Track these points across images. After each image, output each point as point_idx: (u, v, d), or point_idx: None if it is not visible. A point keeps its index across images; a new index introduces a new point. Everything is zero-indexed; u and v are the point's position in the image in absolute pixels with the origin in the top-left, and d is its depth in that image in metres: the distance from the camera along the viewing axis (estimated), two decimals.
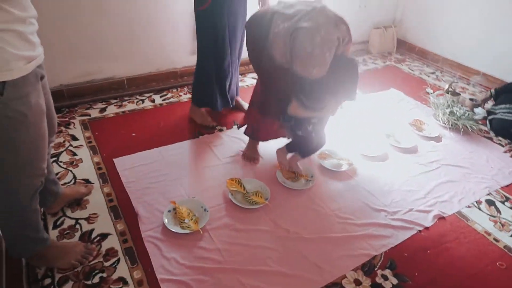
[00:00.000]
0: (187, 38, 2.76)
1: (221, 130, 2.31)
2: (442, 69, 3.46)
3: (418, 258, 1.56)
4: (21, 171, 1.15)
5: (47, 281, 1.37)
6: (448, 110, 2.48)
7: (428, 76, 3.30)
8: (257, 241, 1.57)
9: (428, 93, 2.92)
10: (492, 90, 2.62)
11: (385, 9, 3.74)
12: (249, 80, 2.99)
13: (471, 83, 3.21)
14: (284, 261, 1.49)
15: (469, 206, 1.85)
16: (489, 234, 1.70)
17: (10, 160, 1.11)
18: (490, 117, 2.48)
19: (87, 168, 1.94)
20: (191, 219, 1.62)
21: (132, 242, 1.54)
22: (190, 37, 2.75)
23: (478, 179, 2.03)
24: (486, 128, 2.50)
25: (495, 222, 1.77)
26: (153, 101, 2.60)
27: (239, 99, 2.50)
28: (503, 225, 1.75)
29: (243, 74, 3.06)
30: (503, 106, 2.41)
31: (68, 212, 1.67)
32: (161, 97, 2.66)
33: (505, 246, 1.64)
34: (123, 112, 2.46)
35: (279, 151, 1.94)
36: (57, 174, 1.86)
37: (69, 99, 2.49)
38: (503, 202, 1.89)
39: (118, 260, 1.47)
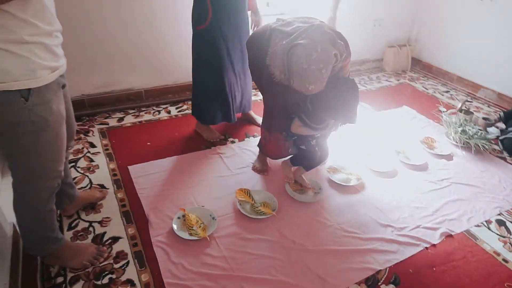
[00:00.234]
0: None
1: (233, 142, 2.37)
2: (457, 88, 3.45)
3: (424, 275, 1.55)
4: (40, 173, 1.23)
5: (60, 279, 1.43)
6: (460, 129, 2.47)
7: (442, 95, 3.30)
8: (262, 251, 1.60)
9: (440, 111, 2.93)
10: (501, 113, 2.62)
11: (400, 28, 3.78)
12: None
13: (478, 95, 3.21)
14: (288, 271, 1.51)
15: (478, 225, 1.83)
16: (498, 255, 1.68)
17: (31, 163, 1.19)
18: (502, 137, 2.46)
19: (103, 174, 2.02)
20: (199, 227, 1.67)
21: (142, 246, 1.59)
22: None
23: (489, 199, 2.01)
24: (499, 148, 2.48)
25: (505, 242, 1.75)
26: (168, 112, 2.69)
27: (251, 112, 2.56)
28: None
29: (256, 88, 3.13)
30: None
31: (83, 215, 1.74)
32: (176, 108, 2.75)
33: None
34: (140, 122, 2.56)
35: (284, 163, 1.98)
36: (74, 178, 1.95)
37: (89, 108, 2.61)
38: None
39: (128, 262, 1.52)
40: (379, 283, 1.49)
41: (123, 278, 1.46)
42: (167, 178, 2.00)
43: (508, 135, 2.39)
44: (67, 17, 2.25)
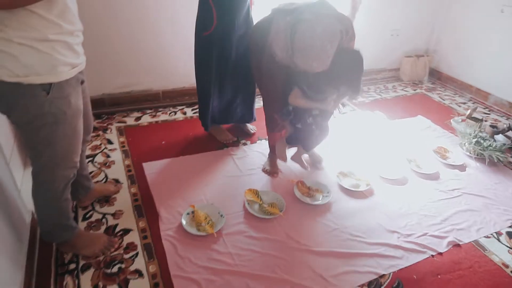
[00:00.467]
0: None
1: (245, 144, 2.42)
2: (475, 99, 3.41)
3: (428, 282, 1.55)
4: (57, 162, 1.30)
5: (72, 266, 1.50)
6: (474, 140, 2.45)
7: (459, 106, 3.26)
8: (267, 249, 1.63)
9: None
10: (511, 123, 2.59)
11: (418, 38, 3.77)
12: None
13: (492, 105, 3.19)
14: (292, 270, 1.54)
15: (488, 237, 1.81)
16: (507, 267, 1.65)
17: (49, 153, 1.25)
18: None
19: (118, 169, 2.10)
20: (208, 223, 1.71)
21: (151, 239, 1.65)
22: None
23: (501, 211, 1.98)
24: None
25: None
26: (184, 113, 2.77)
27: (248, 125, 2.54)
28: None
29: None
30: None
31: (97, 207, 1.81)
32: (192, 110, 2.82)
33: None
34: (156, 121, 2.64)
35: (278, 142, 1.90)
36: (91, 172, 2.03)
37: (109, 106, 2.72)
38: None
39: (137, 254, 1.58)
40: (382, 287, 1.50)
41: (132, 268, 1.51)
42: (179, 176, 2.06)
43: None
44: (92, 20, 2.37)
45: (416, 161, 2.33)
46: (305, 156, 1.95)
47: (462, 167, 2.33)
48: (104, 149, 2.28)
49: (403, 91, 3.55)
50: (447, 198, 2.05)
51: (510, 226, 1.89)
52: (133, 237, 1.66)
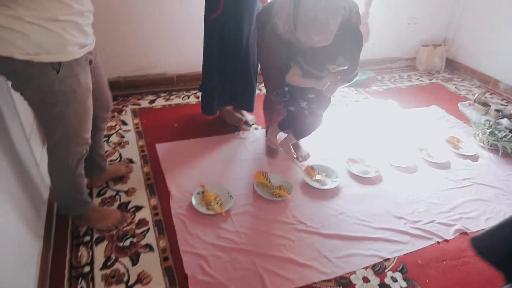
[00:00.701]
0: None
1: (256, 129, 2.44)
2: (492, 91, 3.34)
3: (432, 267, 1.56)
4: (70, 139, 1.33)
5: (87, 238, 1.57)
6: (488, 131, 2.42)
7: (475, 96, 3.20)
8: (274, 230, 1.67)
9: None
10: None
11: (436, 27, 3.70)
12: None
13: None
14: (297, 250, 1.57)
15: None
16: None
17: (62, 130, 1.29)
18: None
19: (132, 150, 2.16)
20: (217, 203, 1.76)
21: (162, 216, 1.71)
22: None
23: None
24: None
25: None
26: (197, 97, 2.80)
27: (248, 116, 2.51)
28: None
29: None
30: None
31: (111, 185, 1.88)
32: None
33: None
34: (170, 105, 2.69)
35: (271, 129, 1.90)
36: (106, 152, 2.09)
37: (124, 89, 2.78)
38: None
39: (148, 229, 1.64)
40: (386, 270, 1.52)
41: (143, 242, 1.57)
42: (190, 157, 2.11)
43: None
44: (109, 3, 2.41)
45: (428, 150, 2.32)
46: (291, 150, 1.95)
47: (474, 157, 2.31)
48: (119, 130, 2.34)
49: (418, 80, 3.50)
50: (457, 187, 2.04)
51: None
52: (145, 213, 1.72)
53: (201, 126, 2.44)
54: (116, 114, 2.51)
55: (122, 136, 2.28)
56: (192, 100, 2.77)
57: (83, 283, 1.39)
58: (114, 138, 2.25)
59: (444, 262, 1.58)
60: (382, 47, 3.58)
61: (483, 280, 1.53)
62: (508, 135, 2.39)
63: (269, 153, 2.14)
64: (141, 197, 1.81)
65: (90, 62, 1.34)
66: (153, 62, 2.82)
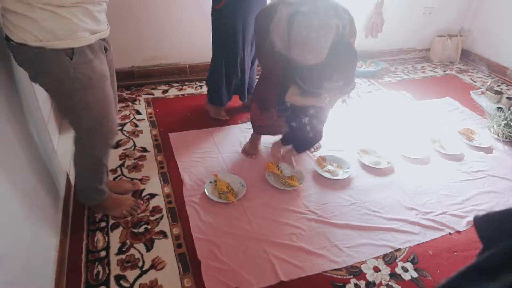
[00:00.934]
0: None
1: None
2: (509, 82, 3.28)
3: (443, 258, 1.56)
4: (96, 130, 1.35)
5: (103, 224, 1.61)
6: (504, 122, 2.38)
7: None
8: (285, 219, 1.69)
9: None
10: None
11: (452, 18, 3.63)
12: None
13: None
14: (308, 239, 1.59)
15: None
16: None
17: (86, 120, 1.30)
18: None
19: (145, 139, 2.19)
20: (229, 192, 1.78)
21: (175, 203, 1.74)
22: None
23: None
24: None
25: None
26: None
27: None
28: None
29: None
30: None
31: (126, 172, 1.91)
32: None
33: None
34: (182, 95, 2.71)
35: (274, 144, 1.95)
36: (120, 140, 2.14)
37: (138, 79, 2.81)
38: None
39: (162, 216, 1.67)
40: (397, 260, 1.53)
41: (157, 229, 1.61)
42: (203, 147, 2.13)
43: None
44: None
45: (440, 141, 2.30)
46: (294, 163, 1.97)
47: (488, 150, 2.28)
48: (132, 119, 2.38)
49: (432, 72, 3.45)
50: (470, 179, 2.02)
51: None
52: (159, 201, 1.75)
53: (212, 116, 2.45)
54: (130, 103, 2.55)
55: (136, 125, 2.31)
56: (204, 90, 2.78)
57: (99, 267, 1.43)
58: (128, 127, 2.29)
59: (455, 253, 1.58)
60: (396, 37, 3.54)
61: None
62: None
63: (249, 152, 2.10)
64: (154, 185, 1.85)
65: (105, 49, 1.33)
66: (165, 52, 2.84)
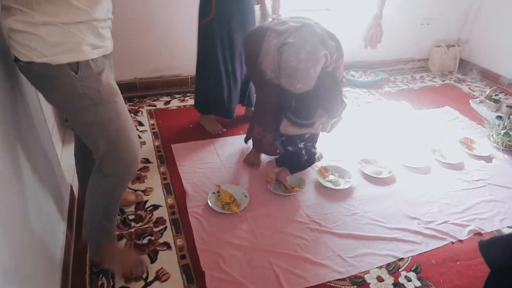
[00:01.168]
0: None
1: None
2: (507, 91, 3.31)
3: (446, 267, 1.57)
4: (114, 153, 1.24)
5: None
6: (503, 131, 2.40)
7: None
8: (289, 229, 1.69)
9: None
10: None
11: (450, 28, 3.68)
12: None
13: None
14: (312, 249, 1.60)
15: (510, 227, 1.80)
16: None
17: (102, 141, 1.21)
18: None
19: (148, 150, 2.21)
20: (232, 202, 1.79)
21: (179, 214, 1.75)
22: None
23: None
24: None
25: None
26: None
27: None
28: None
29: None
30: None
31: (129, 184, 1.92)
32: None
33: None
34: (184, 106, 2.74)
35: (268, 163, 1.98)
36: None
37: (140, 90, 2.84)
38: None
39: (165, 228, 1.68)
40: (400, 270, 1.54)
41: (161, 240, 1.62)
42: (206, 157, 2.15)
43: None
44: (125, 6, 2.47)
45: (441, 151, 2.32)
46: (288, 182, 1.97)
47: (488, 158, 2.30)
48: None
49: (431, 81, 3.49)
50: (471, 188, 2.04)
51: None
52: (162, 212, 1.76)
53: None
54: (132, 115, 2.57)
55: (139, 137, 2.32)
56: None
57: (104, 280, 1.44)
58: None
59: (458, 262, 1.59)
60: (395, 48, 3.59)
61: None
62: None
63: (251, 163, 2.11)
64: (158, 196, 1.86)
65: (110, 66, 1.28)
66: (167, 64, 2.87)
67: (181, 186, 1.92)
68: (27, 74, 1.15)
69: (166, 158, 2.14)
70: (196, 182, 1.95)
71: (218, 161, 2.14)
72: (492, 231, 1.76)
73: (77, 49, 1.11)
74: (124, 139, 1.25)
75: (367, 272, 1.52)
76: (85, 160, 1.51)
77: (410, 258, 1.60)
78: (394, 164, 2.17)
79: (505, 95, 3.24)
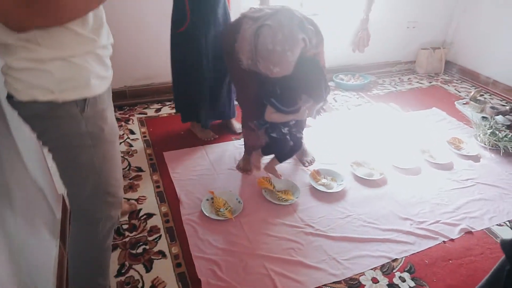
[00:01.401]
0: None
1: None
2: (491, 92, 3.38)
3: (439, 266, 1.59)
4: (100, 196, 1.16)
5: None
6: (489, 131, 2.46)
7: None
8: (283, 234, 1.70)
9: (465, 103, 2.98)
10: None
11: (435, 31, 3.75)
12: None
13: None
14: (306, 253, 1.61)
15: (500, 225, 1.84)
16: None
17: (90, 184, 1.12)
18: None
19: (140, 158, 2.20)
20: (226, 209, 1.79)
21: (173, 222, 1.75)
22: None
23: None
24: None
25: None
26: None
27: (233, 120, 2.51)
28: None
29: None
30: None
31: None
32: None
33: None
34: (175, 113, 2.72)
35: (254, 153, 1.96)
36: None
37: (130, 98, 2.83)
38: None
39: (160, 236, 1.67)
40: (394, 271, 1.56)
41: (156, 249, 1.61)
42: (199, 164, 2.15)
43: None
44: (113, 14, 2.46)
45: (430, 151, 2.36)
46: (277, 173, 1.99)
47: (476, 158, 2.35)
48: (126, 139, 2.39)
49: (418, 83, 3.55)
50: (460, 187, 2.08)
51: None
52: (156, 221, 1.76)
53: None
54: (123, 123, 2.56)
55: (130, 145, 2.32)
56: None
57: None
58: (122, 147, 2.30)
59: (450, 261, 1.62)
60: (382, 51, 3.64)
61: None
62: (509, 134, 2.44)
63: (244, 169, 2.11)
64: (151, 205, 1.85)
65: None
66: (157, 71, 2.87)
67: (175, 194, 1.91)
68: (23, 113, 1.03)
69: (158, 166, 2.14)
70: (190, 189, 1.95)
71: (211, 167, 2.14)
72: (482, 229, 1.80)
73: (86, 84, 1.03)
74: (111, 184, 1.17)
75: (362, 274, 1.54)
76: None
77: (403, 258, 1.62)
78: (385, 166, 2.19)
79: (490, 95, 3.31)
